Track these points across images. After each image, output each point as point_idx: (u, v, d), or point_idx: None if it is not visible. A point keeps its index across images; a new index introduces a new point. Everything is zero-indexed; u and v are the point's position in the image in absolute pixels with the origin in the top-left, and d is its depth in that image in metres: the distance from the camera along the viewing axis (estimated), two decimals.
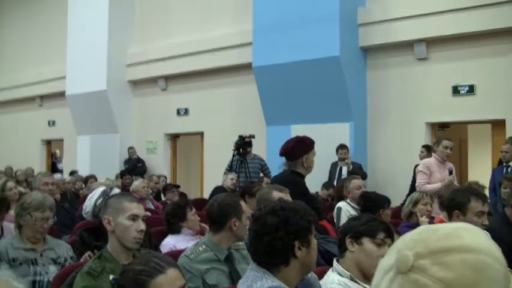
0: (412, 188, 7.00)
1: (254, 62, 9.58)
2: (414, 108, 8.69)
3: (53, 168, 15.97)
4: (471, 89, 8.15)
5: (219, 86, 11.26)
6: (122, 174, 11.32)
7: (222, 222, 3.15)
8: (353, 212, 5.28)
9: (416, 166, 7.08)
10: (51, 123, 15.67)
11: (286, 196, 3.50)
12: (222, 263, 3.10)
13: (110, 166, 12.24)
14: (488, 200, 4.28)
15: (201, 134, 11.83)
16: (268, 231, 2.20)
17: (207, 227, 3.71)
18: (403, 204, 5.48)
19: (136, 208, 2.83)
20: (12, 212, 4.40)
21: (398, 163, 8.70)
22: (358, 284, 2.54)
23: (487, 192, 6.19)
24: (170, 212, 4.62)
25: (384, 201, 5.12)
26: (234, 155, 8.59)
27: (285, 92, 9.24)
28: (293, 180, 4.45)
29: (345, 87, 8.71)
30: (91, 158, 13.10)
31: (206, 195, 9.25)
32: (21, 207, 3.50)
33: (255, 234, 2.26)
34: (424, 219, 4.74)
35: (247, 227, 2.92)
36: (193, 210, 4.64)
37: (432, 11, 8.21)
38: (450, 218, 3.76)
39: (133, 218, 2.78)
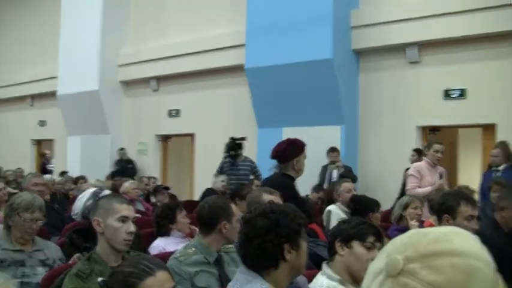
0: (402, 192, 7.02)
1: (247, 64, 9.57)
2: (405, 111, 8.72)
3: (43, 168, 15.88)
4: (462, 93, 8.18)
5: (210, 88, 11.25)
6: (113, 176, 11.28)
7: (212, 224, 3.14)
8: (343, 215, 5.27)
9: (406, 170, 7.09)
10: (42, 124, 15.60)
11: (277, 199, 3.50)
12: (211, 265, 3.09)
13: (101, 167, 12.19)
14: (478, 204, 4.29)
15: (192, 135, 11.81)
16: (258, 233, 2.20)
17: (196, 229, 3.70)
18: (393, 208, 5.48)
19: (127, 210, 2.82)
20: (1, 213, 4.37)
21: (389, 166, 8.73)
22: (348, 287, 2.54)
23: (476, 196, 6.21)
24: (160, 214, 4.61)
25: (374, 204, 5.12)
26: (224, 157, 8.58)
27: (277, 94, 9.24)
28: (283, 182, 4.46)
29: (337, 90, 8.72)
30: (81, 158, 13.04)
31: (196, 197, 9.22)
32: (10, 208, 3.48)
33: (245, 237, 2.25)
34: (414, 223, 4.74)
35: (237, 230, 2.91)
36: (184, 212, 4.63)
37: (425, 14, 8.23)
38: (440, 222, 3.76)
39: (123, 219, 2.77)
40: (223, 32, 10.65)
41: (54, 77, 13.71)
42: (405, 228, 4.33)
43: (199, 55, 11.03)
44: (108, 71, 12.61)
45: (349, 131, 8.99)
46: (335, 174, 8.51)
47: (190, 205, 7.11)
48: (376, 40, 8.84)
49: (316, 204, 7.85)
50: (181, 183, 12.40)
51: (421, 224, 4.63)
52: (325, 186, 8.45)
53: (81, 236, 3.74)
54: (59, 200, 8.08)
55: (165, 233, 4.49)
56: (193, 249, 3.12)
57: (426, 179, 6.04)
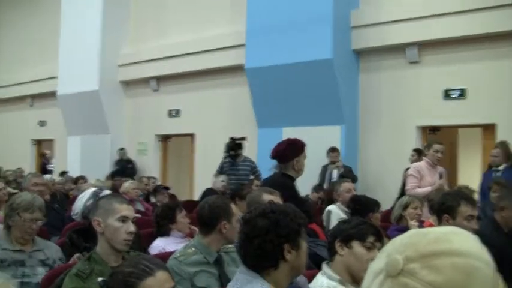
0: (402, 192, 7.02)
1: (247, 64, 9.57)
2: (405, 111, 8.72)
3: (43, 168, 15.88)
4: (462, 93, 8.18)
5: (210, 88, 11.25)
6: (113, 176, 11.27)
7: (212, 224, 3.14)
8: (343, 215, 5.27)
9: (406, 170, 7.09)
10: (42, 124, 15.59)
11: (277, 199, 3.50)
12: (211, 265, 3.09)
13: (101, 167, 12.19)
14: (478, 204, 4.28)
15: (192, 135, 11.81)
16: (258, 233, 2.19)
17: (196, 229, 3.70)
18: (393, 208, 5.48)
19: (127, 210, 2.82)
20: (1, 213, 4.37)
21: (389, 166, 8.72)
22: (348, 287, 2.54)
23: (476, 196, 6.21)
24: (160, 214, 4.61)
25: (374, 204, 5.12)
26: (224, 157, 8.58)
27: (277, 94, 9.24)
28: (283, 182, 4.45)
29: (337, 90, 8.72)
30: (81, 158, 13.04)
31: (196, 197, 9.22)
32: (10, 208, 3.47)
33: (245, 237, 2.25)
34: (413, 223, 4.74)
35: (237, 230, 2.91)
36: (183, 212, 4.63)
37: (425, 14, 8.24)
38: (440, 222, 3.76)
39: (123, 219, 2.77)
40: (223, 32, 10.64)
41: (54, 77, 13.70)
42: (405, 228, 4.33)
43: (199, 55, 11.03)
44: (108, 71, 12.60)
45: (349, 131, 8.98)
46: (335, 174, 8.50)
47: (190, 205, 7.10)
48: (376, 40, 8.83)
49: (316, 204, 7.84)
50: (181, 183, 12.40)
51: (421, 224, 4.63)
52: (325, 186, 8.45)
53: (81, 236, 3.74)
54: (59, 200, 8.08)
55: (165, 233, 4.49)
56: (193, 249, 3.12)
57: (426, 179, 6.04)
